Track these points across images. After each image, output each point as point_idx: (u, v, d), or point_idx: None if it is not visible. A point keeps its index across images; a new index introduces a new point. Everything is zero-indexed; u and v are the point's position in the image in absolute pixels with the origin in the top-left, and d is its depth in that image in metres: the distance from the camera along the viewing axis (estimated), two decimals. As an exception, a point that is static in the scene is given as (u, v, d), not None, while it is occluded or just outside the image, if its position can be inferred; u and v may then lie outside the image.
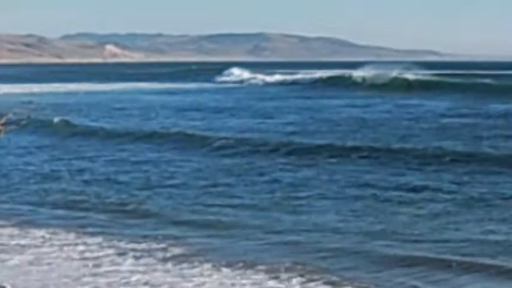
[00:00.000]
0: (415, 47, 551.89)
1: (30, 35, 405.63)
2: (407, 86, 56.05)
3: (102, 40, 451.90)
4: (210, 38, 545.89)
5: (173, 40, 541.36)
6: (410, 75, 59.77)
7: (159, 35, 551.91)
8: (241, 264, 11.44)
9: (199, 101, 47.67)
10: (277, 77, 74.58)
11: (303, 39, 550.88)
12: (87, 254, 12.15)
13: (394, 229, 13.37)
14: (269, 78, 74.88)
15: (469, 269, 11.04)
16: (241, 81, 77.10)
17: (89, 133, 28.89)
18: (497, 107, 39.08)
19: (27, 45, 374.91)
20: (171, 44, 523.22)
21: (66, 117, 31.70)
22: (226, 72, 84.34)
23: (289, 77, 72.35)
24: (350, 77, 63.89)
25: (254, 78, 77.59)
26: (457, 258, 11.48)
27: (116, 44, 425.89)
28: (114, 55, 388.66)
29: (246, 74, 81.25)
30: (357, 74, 63.50)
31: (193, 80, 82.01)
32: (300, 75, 73.09)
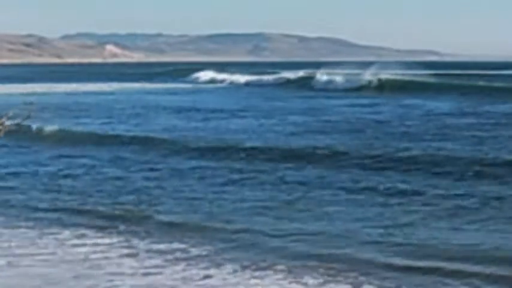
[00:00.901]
0: (415, 47, 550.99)
1: (30, 35, 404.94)
2: (380, 87, 55.66)
3: (102, 40, 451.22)
4: (210, 38, 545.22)
5: (173, 40, 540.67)
6: (383, 76, 58.37)
7: (159, 35, 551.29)
8: (261, 265, 11.39)
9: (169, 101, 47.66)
10: (248, 78, 74.32)
11: (303, 39, 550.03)
12: (96, 255, 12.02)
13: (412, 231, 13.36)
14: (239, 79, 74.85)
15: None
16: (212, 82, 77.29)
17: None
18: (484, 108, 38.75)
19: (27, 45, 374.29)
20: (171, 44, 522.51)
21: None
22: (197, 73, 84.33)
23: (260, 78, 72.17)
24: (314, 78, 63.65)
25: (224, 79, 77.52)
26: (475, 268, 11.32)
27: (116, 44, 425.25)
28: (114, 55, 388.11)
29: (214, 75, 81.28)
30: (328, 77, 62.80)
31: (164, 80, 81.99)
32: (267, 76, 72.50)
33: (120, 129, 30.51)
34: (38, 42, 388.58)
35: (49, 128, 28.74)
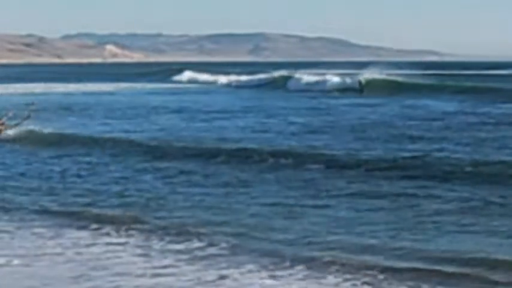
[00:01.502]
0: (415, 47, 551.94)
1: (30, 35, 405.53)
2: (361, 89, 55.52)
3: (102, 40, 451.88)
4: (210, 38, 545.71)
5: (173, 40, 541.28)
6: (365, 76, 57.91)
7: (159, 35, 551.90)
8: (277, 264, 11.29)
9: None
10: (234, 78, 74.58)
11: (303, 39, 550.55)
12: (107, 255, 11.87)
13: (421, 234, 13.26)
14: (225, 80, 75.07)
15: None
16: (196, 82, 77.46)
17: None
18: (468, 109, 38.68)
19: (27, 45, 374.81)
20: (171, 44, 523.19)
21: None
22: (181, 73, 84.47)
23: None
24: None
25: (210, 79, 77.78)
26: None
27: (116, 44, 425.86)
28: (114, 55, 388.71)
29: (200, 75, 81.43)
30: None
31: (149, 80, 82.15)
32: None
33: (120, 129, 30.51)
34: (38, 42, 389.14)
35: (47, 129, 28.66)
